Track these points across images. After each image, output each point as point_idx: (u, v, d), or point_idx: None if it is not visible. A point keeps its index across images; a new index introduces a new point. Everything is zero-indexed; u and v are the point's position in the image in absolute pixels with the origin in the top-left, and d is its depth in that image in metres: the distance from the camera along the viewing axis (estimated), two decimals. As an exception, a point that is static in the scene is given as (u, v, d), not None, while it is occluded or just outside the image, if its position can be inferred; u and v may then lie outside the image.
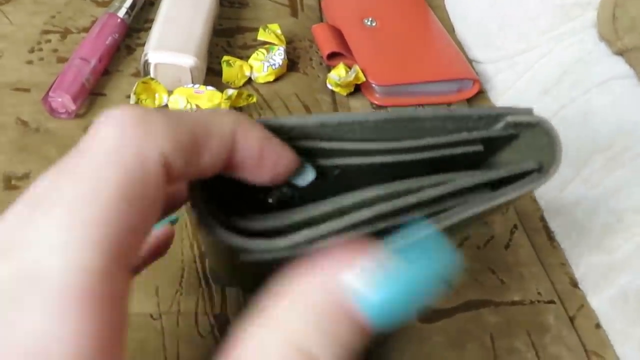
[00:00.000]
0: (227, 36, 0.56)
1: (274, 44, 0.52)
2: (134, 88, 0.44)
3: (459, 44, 0.66)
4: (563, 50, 0.54)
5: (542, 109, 0.54)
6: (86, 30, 0.52)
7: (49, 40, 0.50)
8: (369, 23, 0.57)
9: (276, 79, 0.52)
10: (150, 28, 0.49)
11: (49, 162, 0.42)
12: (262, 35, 0.52)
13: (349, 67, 0.52)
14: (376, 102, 0.53)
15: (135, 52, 0.51)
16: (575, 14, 0.53)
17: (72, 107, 0.44)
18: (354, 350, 0.13)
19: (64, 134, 0.43)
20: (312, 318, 0.12)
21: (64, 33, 0.51)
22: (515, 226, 0.48)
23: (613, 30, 0.49)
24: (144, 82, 0.44)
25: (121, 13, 0.51)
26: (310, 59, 0.56)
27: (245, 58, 0.53)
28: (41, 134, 0.43)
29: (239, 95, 0.46)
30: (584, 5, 0.52)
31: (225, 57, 0.49)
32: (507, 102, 0.59)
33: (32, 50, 0.49)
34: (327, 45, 0.55)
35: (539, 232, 0.49)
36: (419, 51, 0.56)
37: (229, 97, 0.45)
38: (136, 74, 0.49)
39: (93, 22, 0.52)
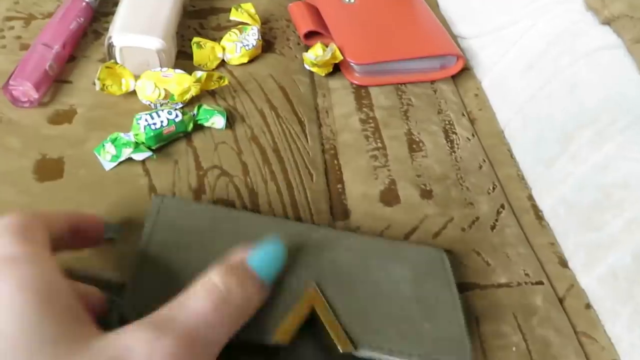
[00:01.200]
0: (199, 17, 0.54)
1: (247, 24, 0.50)
2: (98, 73, 0.42)
3: (442, 19, 0.64)
4: (548, 21, 0.52)
5: (528, 84, 0.52)
6: (51, 15, 0.49)
7: (12, 27, 0.48)
8: (347, 0, 0.55)
9: (251, 61, 0.50)
10: (118, 11, 0.47)
11: (12, 153, 0.41)
12: (234, 15, 0.50)
13: (326, 46, 0.50)
14: (356, 82, 0.51)
15: (103, 37, 0.49)
16: (561, -17, 0.51)
17: (35, 95, 0.42)
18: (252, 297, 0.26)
19: (27, 123, 0.41)
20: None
21: (28, 19, 0.49)
22: (502, 206, 0.46)
23: (601, 1, 0.46)
24: (108, 67, 0.42)
25: (86, -4, 0.49)
26: (287, 39, 0.54)
27: (219, 40, 0.51)
28: (3, 125, 0.41)
29: (209, 77, 0.44)
30: (569, -27, 0.50)
31: (196, 39, 0.47)
32: (493, 79, 0.57)
33: (-7, 38, 0.47)
34: (304, 24, 0.53)
35: (527, 211, 0.48)
36: (399, 27, 0.54)
37: (199, 80, 0.43)
38: (104, 60, 0.47)
39: (59, 6, 0.50)
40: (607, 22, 0.47)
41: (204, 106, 0.43)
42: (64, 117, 0.43)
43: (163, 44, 0.43)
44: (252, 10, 0.51)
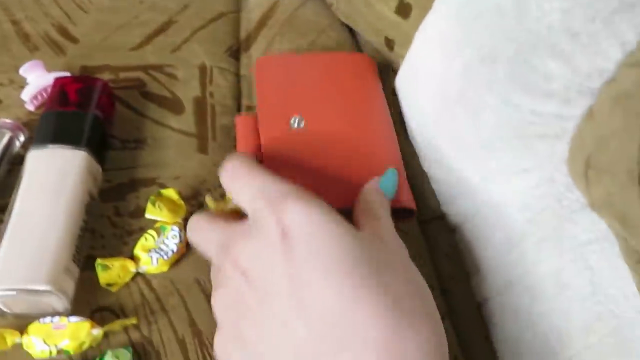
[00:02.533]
0: (115, 198, 0.45)
1: (166, 223, 0.42)
2: (-31, 344, 0.34)
3: (412, 148, 0.55)
4: (529, 190, 0.43)
5: (508, 268, 0.44)
6: None
7: None
8: (295, 124, 0.46)
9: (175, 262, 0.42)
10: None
11: None
12: (151, 212, 0.42)
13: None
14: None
15: (-4, 247, 0.41)
16: (541, 148, 0.42)
17: None
18: None
19: None
20: None
21: None
22: None
23: (588, 193, 0.38)
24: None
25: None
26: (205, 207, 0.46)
27: (138, 232, 0.43)
28: None
29: (111, 327, 0.36)
30: (551, 139, 0.41)
31: (99, 260, 0.39)
32: (465, 237, 0.49)
33: None
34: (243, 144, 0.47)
35: None
36: (347, 169, 0.44)
37: (95, 338, 0.36)
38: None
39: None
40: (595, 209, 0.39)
41: (107, 357, 0.36)
42: (-62, 388, 0.36)
43: (50, 287, 0.36)
44: (175, 197, 0.43)
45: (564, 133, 0.41)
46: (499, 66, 0.43)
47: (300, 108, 0.48)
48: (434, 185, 0.53)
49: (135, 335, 0.39)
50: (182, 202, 0.44)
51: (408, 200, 0.44)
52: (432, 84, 0.51)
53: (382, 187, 0.36)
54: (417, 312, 0.27)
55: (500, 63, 0.43)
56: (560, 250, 0.40)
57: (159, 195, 0.43)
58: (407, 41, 0.57)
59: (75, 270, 0.39)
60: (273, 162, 0.44)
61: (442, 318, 0.44)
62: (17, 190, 0.40)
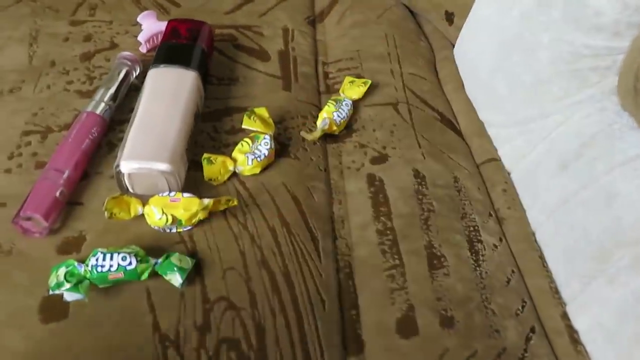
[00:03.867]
0: (213, 120, 0.53)
1: (259, 132, 0.49)
2: (105, 204, 0.41)
3: (468, 102, 0.61)
4: (582, 119, 0.48)
5: (560, 186, 0.48)
6: (68, 127, 0.50)
7: (29, 143, 0.49)
8: None
9: (264, 168, 0.49)
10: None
11: (20, 291, 0.40)
12: (247, 124, 0.49)
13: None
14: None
15: (117, 149, 0.49)
16: (593, 80, 0.47)
17: (45, 224, 0.42)
18: None
19: (36, 255, 0.41)
20: None
21: (45, 132, 0.50)
22: (532, 329, 0.43)
23: (635, 105, 0.43)
24: (114, 198, 0.41)
25: (100, 110, 0.49)
26: (303, 139, 0.53)
27: (233, 145, 0.50)
28: (13, 257, 0.41)
29: (217, 202, 0.43)
30: (603, 70, 0.47)
31: (206, 155, 0.46)
32: (522, 173, 0.54)
33: (11, 157, 0.48)
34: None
35: (560, 333, 0.44)
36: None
37: (206, 207, 0.42)
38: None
39: (75, 117, 0.50)
40: (646, 127, 0.44)
41: (172, 258, 0.40)
42: (73, 245, 0.42)
43: (170, 167, 0.43)
44: (266, 115, 0.50)
45: (614, 64, 0.46)
46: (553, 9, 0.49)
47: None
48: (490, 130, 0.58)
49: (232, 221, 0.45)
50: (271, 120, 0.50)
51: None
52: (489, 36, 0.57)
53: None
54: None
55: (555, 6, 0.49)
56: (612, 165, 0.45)
57: (253, 112, 0.50)
58: (466, 11, 0.64)
59: (186, 162, 0.46)
60: None
61: (499, 239, 0.49)
62: (140, 97, 0.48)
